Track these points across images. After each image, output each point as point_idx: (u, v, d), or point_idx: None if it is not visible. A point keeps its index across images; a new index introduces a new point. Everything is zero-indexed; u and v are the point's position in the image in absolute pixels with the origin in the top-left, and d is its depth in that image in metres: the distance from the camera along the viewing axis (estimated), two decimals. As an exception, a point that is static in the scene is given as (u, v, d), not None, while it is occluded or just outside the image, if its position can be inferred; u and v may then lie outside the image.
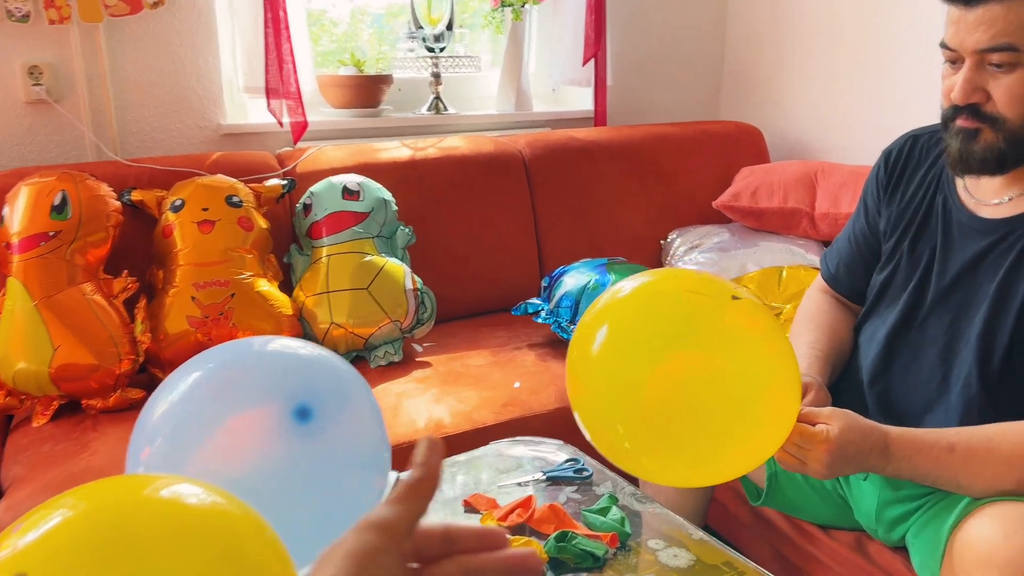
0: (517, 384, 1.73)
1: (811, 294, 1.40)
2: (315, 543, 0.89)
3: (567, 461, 1.27)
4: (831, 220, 2.22)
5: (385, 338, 1.83)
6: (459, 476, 1.26)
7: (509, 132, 2.48)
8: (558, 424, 1.56)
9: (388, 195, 1.96)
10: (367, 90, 2.30)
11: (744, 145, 2.60)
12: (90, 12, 1.90)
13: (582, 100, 2.66)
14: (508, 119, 2.53)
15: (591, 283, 1.88)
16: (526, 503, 1.12)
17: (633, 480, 1.23)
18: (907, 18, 2.32)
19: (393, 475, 1.19)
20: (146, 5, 1.95)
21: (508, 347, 1.94)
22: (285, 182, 1.93)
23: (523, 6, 2.43)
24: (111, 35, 1.99)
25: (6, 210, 1.66)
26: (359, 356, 1.86)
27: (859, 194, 1.34)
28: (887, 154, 1.28)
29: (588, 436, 0.94)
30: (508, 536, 0.52)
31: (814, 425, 1.00)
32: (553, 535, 1.05)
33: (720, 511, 1.51)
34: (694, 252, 2.30)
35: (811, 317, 1.33)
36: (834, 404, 1.13)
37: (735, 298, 0.88)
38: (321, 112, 2.32)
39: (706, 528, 1.49)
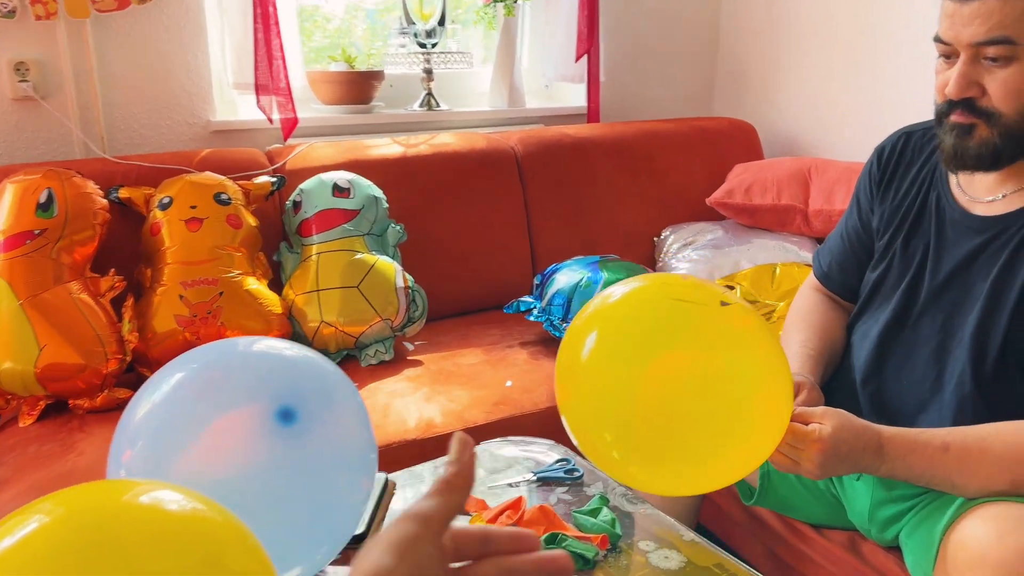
0: (509, 383, 1.72)
1: (803, 292, 1.39)
2: (300, 545, 0.88)
3: (558, 461, 1.25)
4: (825, 217, 2.21)
5: (376, 337, 1.82)
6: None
7: (502, 129, 2.46)
8: (550, 423, 1.55)
9: (379, 192, 1.95)
10: (358, 86, 2.28)
11: (738, 141, 2.59)
12: (77, 7, 1.87)
13: (575, 96, 2.65)
14: (501, 115, 2.52)
15: (583, 281, 1.87)
16: (516, 504, 1.11)
17: (624, 480, 1.22)
18: (901, 14, 2.31)
19: (381, 476, 1.18)
20: (134, 0, 1.93)
21: (500, 345, 1.93)
22: (274, 179, 1.92)
23: (515, 1, 2.42)
24: (98, 31, 1.97)
25: (-9, 208, 1.64)
26: (350, 355, 1.84)
27: (852, 191, 1.33)
28: (880, 151, 1.27)
29: (576, 443, 0.93)
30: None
31: (807, 425, 0.99)
32: (543, 537, 1.03)
33: (713, 510, 1.50)
34: (687, 249, 2.29)
35: (803, 316, 1.32)
36: (827, 404, 1.12)
37: (724, 304, 0.87)
38: (312, 109, 2.30)
39: (699, 527, 1.48)
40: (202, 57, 2.10)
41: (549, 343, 1.92)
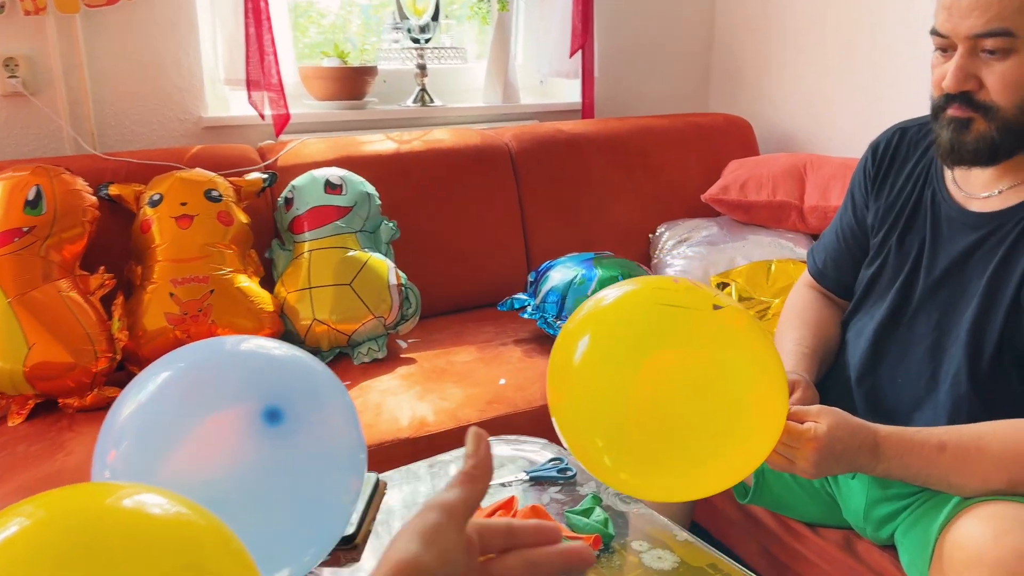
0: (502, 381, 1.70)
1: (798, 289, 1.38)
2: (287, 547, 0.87)
3: (550, 461, 1.24)
4: (820, 213, 2.20)
5: (369, 334, 1.81)
6: (441, 476, 1.23)
7: (496, 125, 2.45)
8: (543, 421, 1.53)
9: (371, 189, 1.93)
10: (351, 82, 2.26)
11: (733, 137, 2.58)
12: (67, 2, 1.86)
13: (570, 92, 2.63)
14: (495, 111, 2.51)
15: (578, 278, 1.86)
16: (508, 504, 1.10)
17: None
18: (897, 10, 2.30)
19: (371, 476, 1.16)
20: (123, -5, 1.92)
21: (494, 343, 1.92)
22: (266, 176, 1.90)
23: (509, -3, 2.41)
24: (88, 26, 1.95)
25: (-21, 205, 1.62)
26: (342, 353, 1.83)
27: (848, 187, 1.32)
28: (875, 147, 1.26)
29: (567, 447, 0.92)
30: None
31: (802, 423, 0.98)
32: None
33: (708, 509, 1.49)
34: (682, 246, 2.28)
35: (798, 313, 1.30)
36: (821, 402, 1.11)
37: (717, 307, 0.86)
38: (304, 105, 2.28)
39: (693, 526, 1.47)
40: (193, 52, 2.08)
41: (543, 340, 1.91)
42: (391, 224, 1.95)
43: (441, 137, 2.20)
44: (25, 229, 1.59)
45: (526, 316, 1.90)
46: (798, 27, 2.60)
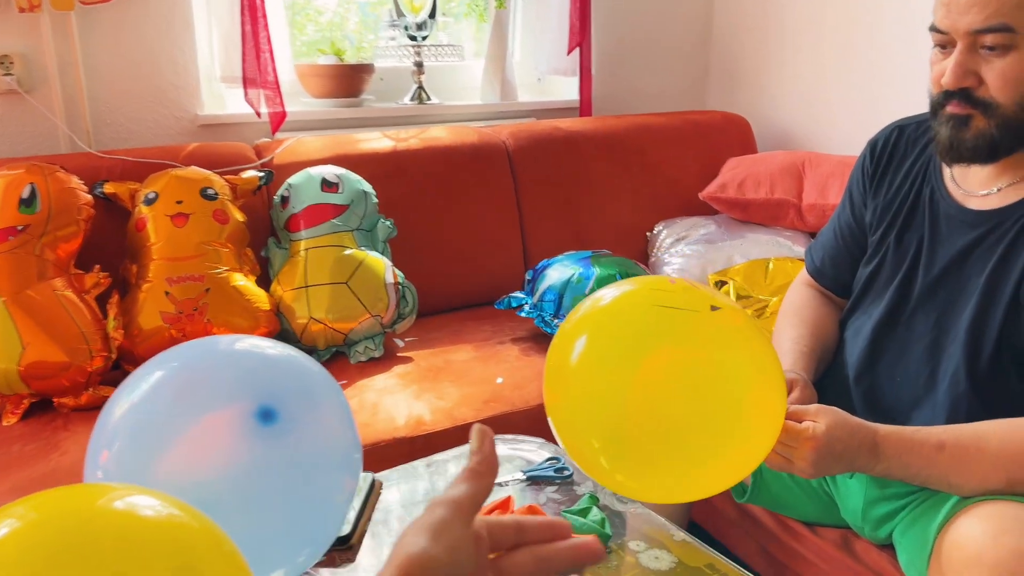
0: (500, 380, 1.70)
1: (795, 288, 1.37)
2: (282, 548, 0.86)
3: (547, 460, 1.24)
4: (818, 211, 2.20)
5: (365, 333, 1.80)
6: (437, 476, 1.23)
7: (493, 122, 2.44)
8: (541, 420, 1.51)
9: (368, 187, 1.92)
10: (348, 80, 2.25)
11: (731, 135, 2.57)
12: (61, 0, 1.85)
13: (567, 90, 2.62)
14: (493, 109, 2.50)
15: (575, 276, 1.85)
16: (504, 504, 1.09)
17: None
18: (895, 7, 2.30)
19: (367, 476, 1.16)
20: (119, -8, 1.91)
21: (491, 342, 1.91)
22: (262, 174, 1.89)
23: (507, -6, 2.40)
24: (83, 23, 1.94)
25: (-27, 204, 1.61)
26: (339, 352, 1.82)
27: (846, 185, 1.31)
28: (872, 145, 1.25)
29: (564, 448, 0.91)
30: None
31: (800, 423, 0.97)
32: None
33: (705, 508, 1.49)
34: (680, 244, 2.27)
35: (795, 312, 1.30)
36: (819, 401, 1.10)
37: (714, 308, 0.85)
38: (301, 103, 2.28)
39: (691, 525, 1.47)
40: (189, 50, 2.07)
41: (540, 339, 1.91)
42: (388, 222, 1.94)
43: (438, 135, 2.19)
44: (19, 228, 1.58)
45: (523, 315, 1.90)
46: (796, 25, 2.60)
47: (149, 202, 1.71)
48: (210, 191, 1.76)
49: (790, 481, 1.25)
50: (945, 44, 1.02)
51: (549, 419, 0.91)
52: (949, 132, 1.03)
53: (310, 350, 1.77)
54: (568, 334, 0.88)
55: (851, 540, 1.23)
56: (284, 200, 1.87)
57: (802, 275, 1.39)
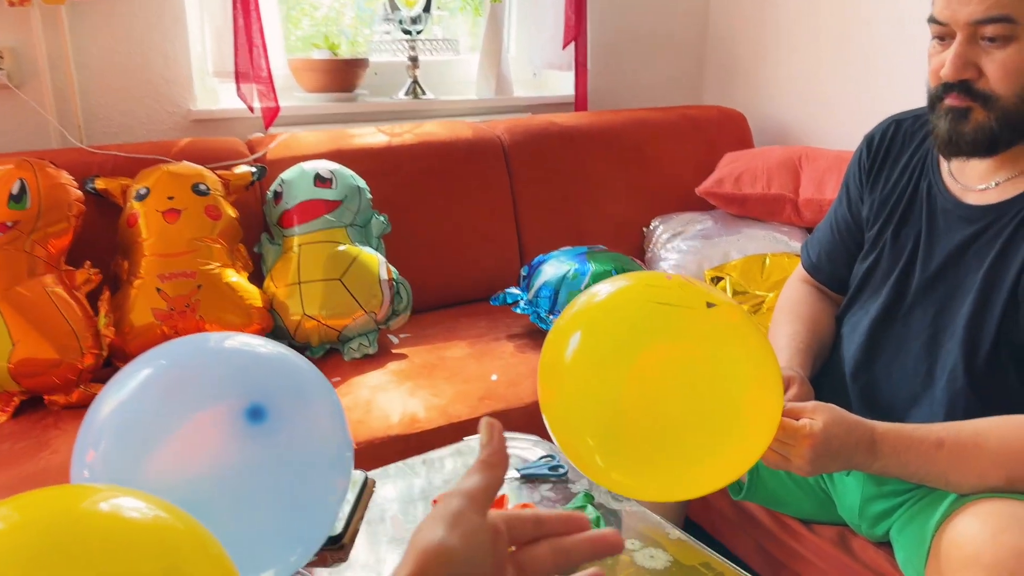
0: (494, 377, 1.69)
1: (792, 284, 1.36)
2: (272, 548, 0.85)
3: (542, 458, 1.22)
4: (815, 206, 2.19)
5: (359, 330, 1.79)
6: (431, 473, 1.21)
7: (488, 117, 2.42)
8: (535, 418, 1.50)
9: (362, 182, 1.91)
10: (342, 74, 2.24)
11: (727, 130, 2.56)
12: (51, -7, 1.83)
13: (563, 84, 2.61)
14: (488, 104, 2.48)
15: (571, 272, 1.84)
16: (499, 502, 1.08)
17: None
18: (890, 1, 2.28)
19: (359, 474, 1.15)
20: (109, -14, 1.89)
21: (486, 338, 1.90)
22: (255, 169, 1.88)
23: (502, -12, 2.38)
24: (74, 17, 1.92)
25: (-38, 199, 1.60)
26: (333, 348, 1.81)
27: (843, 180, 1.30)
28: (869, 139, 1.24)
29: (558, 446, 0.90)
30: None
31: (797, 420, 0.96)
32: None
33: (702, 505, 1.48)
34: (677, 239, 2.26)
35: (792, 308, 1.29)
36: (816, 398, 1.09)
37: (710, 305, 0.84)
38: (294, 97, 2.26)
39: (687, 523, 1.46)
40: (181, 44, 2.05)
41: (536, 335, 1.90)
42: (382, 218, 1.93)
43: (433, 130, 2.17)
44: (9, 224, 1.56)
45: (519, 311, 1.88)
46: (793, 19, 2.58)
47: (140, 198, 1.70)
48: (202, 187, 1.74)
49: (787, 478, 1.25)
50: (944, 36, 1.01)
51: (544, 416, 0.90)
52: (948, 125, 1.02)
53: (303, 347, 1.76)
54: (563, 330, 0.87)
55: (848, 538, 1.22)
56: (277, 196, 1.86)
57: (798, 271, 1.38)
